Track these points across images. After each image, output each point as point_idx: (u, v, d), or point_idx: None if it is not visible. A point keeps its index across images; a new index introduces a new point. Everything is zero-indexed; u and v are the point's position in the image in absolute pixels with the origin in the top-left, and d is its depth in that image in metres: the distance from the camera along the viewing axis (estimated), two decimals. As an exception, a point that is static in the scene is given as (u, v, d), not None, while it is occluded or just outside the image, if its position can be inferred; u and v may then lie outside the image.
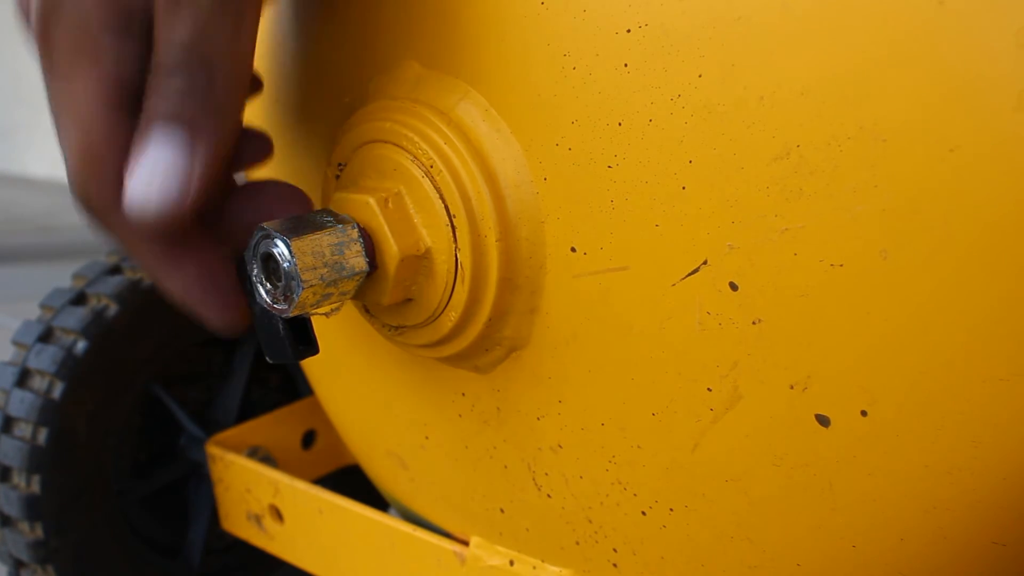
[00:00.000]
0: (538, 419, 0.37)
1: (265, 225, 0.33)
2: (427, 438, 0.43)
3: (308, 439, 0.64)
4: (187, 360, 0.62)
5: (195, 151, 0.32)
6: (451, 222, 0.34)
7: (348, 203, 0.35)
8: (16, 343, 0.56)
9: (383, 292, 0.35)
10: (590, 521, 0.37)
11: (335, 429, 0.53)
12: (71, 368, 0.54)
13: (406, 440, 0.44)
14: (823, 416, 0.30)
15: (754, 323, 0.30)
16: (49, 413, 0.54)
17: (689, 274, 0.30)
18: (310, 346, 0.35)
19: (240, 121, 0.34)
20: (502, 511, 0.41)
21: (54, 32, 0.32)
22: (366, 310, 0.38)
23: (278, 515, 0.53)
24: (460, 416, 0.40)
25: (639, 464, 0.35)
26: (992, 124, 0.24)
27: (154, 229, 0.32)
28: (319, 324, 0.46)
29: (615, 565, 0.38)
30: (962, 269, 0.26)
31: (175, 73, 0.31)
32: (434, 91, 0.35)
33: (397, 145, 0.34)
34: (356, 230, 0.34)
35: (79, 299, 0.57)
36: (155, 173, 0.31)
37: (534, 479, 0.38)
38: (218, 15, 0.31)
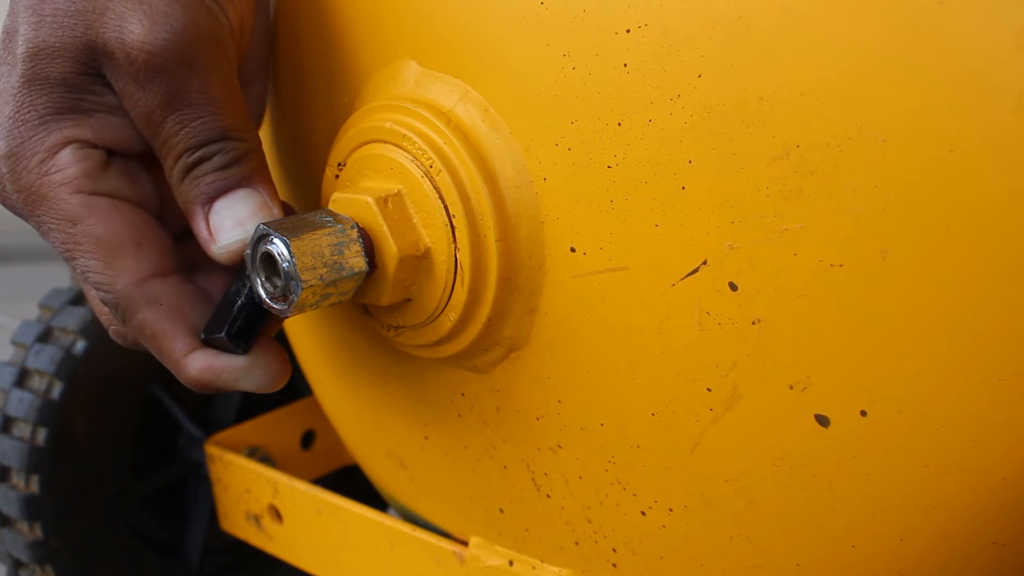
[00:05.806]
0: (537, 419, 0.37)
1: (265, 224, 0.33)
2: (426, 438, 0.43)
3: (307, 439, 0.64)
4: (186, 360, 0.62)
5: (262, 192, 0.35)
6: (450, 222, 0.34)
7: (347, 203, 0.35)
8: (15, 343, 0.56)
9: (382, 292, 0.34)
10: (589, 521, 0.37)
11: (334, 429, 0.53)
12: (70, 368, 0.54)
13: (406, 440, 0.44)
14: (823, 416, 0.30)
15: (754, 323, 0.30)
16: (48, 413, 0.54)
17: (689, 274, 0.30)
18: (246, 342, 0.35)
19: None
20: (501, 511, 0.41)
21: None
22: (366, 310, 0.38)
23: (277, 515, 0.53)
24: (459, 416, 0.40)
25: (638, 464, 0.35)
26: (992, 124, 0.24)
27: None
28: (318, 322, 0.46)
29: (614, 565, 0.38)
30: (962, 269, 0.26)
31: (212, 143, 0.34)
32: (433, 91, 0.35)
33: (396, 145, 0.34)
34: (355, 230, 0.34)
35: (78, 299, 0.57)
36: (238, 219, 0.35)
37: (533, 479, 0.38)
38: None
